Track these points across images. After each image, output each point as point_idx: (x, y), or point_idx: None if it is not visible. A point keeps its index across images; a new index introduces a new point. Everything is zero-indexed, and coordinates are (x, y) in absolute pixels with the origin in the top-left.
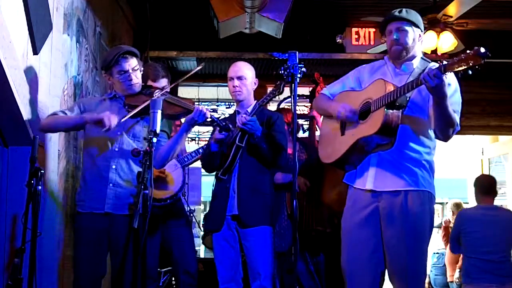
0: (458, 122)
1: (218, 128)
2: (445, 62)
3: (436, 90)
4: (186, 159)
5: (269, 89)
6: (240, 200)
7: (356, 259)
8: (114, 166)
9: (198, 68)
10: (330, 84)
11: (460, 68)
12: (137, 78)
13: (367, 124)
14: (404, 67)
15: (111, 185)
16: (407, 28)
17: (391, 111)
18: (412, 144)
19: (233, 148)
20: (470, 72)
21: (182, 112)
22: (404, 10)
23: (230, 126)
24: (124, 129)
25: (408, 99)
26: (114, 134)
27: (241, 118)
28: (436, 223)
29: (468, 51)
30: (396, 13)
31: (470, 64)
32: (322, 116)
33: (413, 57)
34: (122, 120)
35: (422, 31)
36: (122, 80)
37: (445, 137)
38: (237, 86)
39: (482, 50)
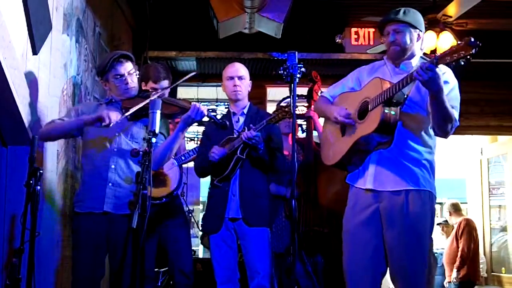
0: (457, 118)
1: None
2: (437, 55)
3: (430, 83)
4: (183, 158)
5: (279, 105)
6: (243, 202)
7: (357, 260)
8: (113, 166)
9: (191, 74)
10: (330, 86)
11: (452, 59)
12: (133, 82)
13: (366, 123)
14: (403, 66)
15: (110, 184)
16: (403, 29)
17: (388, 108)
18: (412, 143)
19: (233, 159)
20: (462, 62)
21: (179, 111)
22: (401, 11)
23: (227, 123)
24: (121, 129)
25: (406, 96)
26: (112, 133)
27: (247, 133)
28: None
29: (459, 42)
30: (393, 15)
31: (461, 54)
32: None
33: (412, 56)
34: (122, 117)
35: (421, 31)
36: (118, 84)
37: (444, 133)
38: (238, 85)
39: (472, 39)
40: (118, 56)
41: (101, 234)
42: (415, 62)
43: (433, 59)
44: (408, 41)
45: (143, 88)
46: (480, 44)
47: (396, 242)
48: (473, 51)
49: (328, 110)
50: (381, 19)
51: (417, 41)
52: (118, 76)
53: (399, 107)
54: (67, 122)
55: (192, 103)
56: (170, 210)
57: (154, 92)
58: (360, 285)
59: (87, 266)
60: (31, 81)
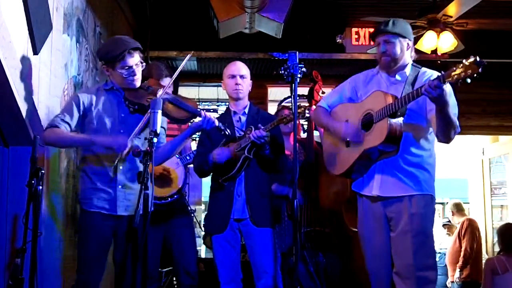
0: (458, 124)
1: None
2: (444, 73)
3: (438, 99)
4: (188, 158)
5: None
6: (249, 202)
7: (377, 261)
8: (121, 167)
9: (187, 58)
10: (327, 95)
11: (459, 78)
12: (139, 73)
13: (372, 135)
14: (398, 76)
15: (120, 187)
16: (393, 40)
17: (394, 120)
18: (413, 149)
19: (240, 158)
20: (468, 80)
21: (189, 117)
22: (391, 22)
23: (236, 136)
24: (125, 126)
25: (407, 106)
26: (116, 132)
27: (256, 132)
28: (438, 223)
29: (464, 61)
30: (382, 27)
31: (468, 73)
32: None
33: (404, 65)
34: (139, 126)
35: (411, 40)
36: (126, 75)
37: (447, 139)
38: (240, 84)
39: (478, 59)
40: (131, 48)
41: (109, 233)
42: (408, 70)
43: (440, 76)
44: (399, 51)
45: None
46: (486, 64)
47: (405, 242)
48: (480, 70)
49: (331, 125)
50: (372, 31)
51: (407, 50)
52: (127, 67)
53: (402, 118)
54: (76, 139)
55: (202, 111)
56: (174, 210)
57: (160, 89)
58: (383, 284)
59: (93, 263)
60: (32, 81)
